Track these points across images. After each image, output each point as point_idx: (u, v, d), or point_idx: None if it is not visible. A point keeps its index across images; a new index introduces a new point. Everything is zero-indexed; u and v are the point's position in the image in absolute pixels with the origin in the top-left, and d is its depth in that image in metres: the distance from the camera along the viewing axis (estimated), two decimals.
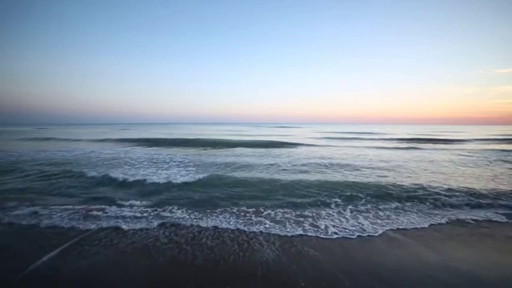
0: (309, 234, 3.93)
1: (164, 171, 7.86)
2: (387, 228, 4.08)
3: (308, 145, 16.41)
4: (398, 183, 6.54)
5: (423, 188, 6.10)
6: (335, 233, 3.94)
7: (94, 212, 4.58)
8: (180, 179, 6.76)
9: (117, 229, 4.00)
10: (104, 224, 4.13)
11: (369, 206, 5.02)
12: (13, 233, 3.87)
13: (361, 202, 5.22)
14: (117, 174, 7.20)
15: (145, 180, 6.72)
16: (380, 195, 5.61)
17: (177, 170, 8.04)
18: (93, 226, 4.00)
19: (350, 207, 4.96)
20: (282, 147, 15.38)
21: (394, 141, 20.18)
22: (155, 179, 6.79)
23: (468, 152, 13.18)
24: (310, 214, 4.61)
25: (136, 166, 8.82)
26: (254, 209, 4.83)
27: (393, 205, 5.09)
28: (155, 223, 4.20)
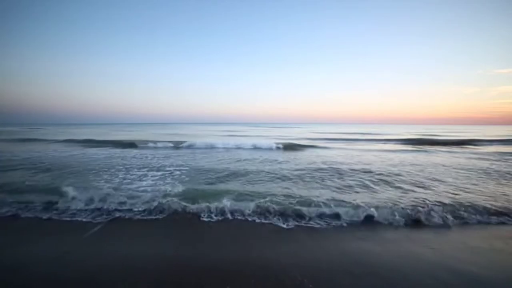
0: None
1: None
2: None
3: (308, 146, 16.22)
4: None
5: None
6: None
7: None
8: None
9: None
10: None
11: None
12: None
13: None
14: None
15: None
16: None
17: None
18: None
19: None
20: (280, 149, 15.20)
21: (402, 143, 19.05)
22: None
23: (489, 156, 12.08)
24: None
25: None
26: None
27: None
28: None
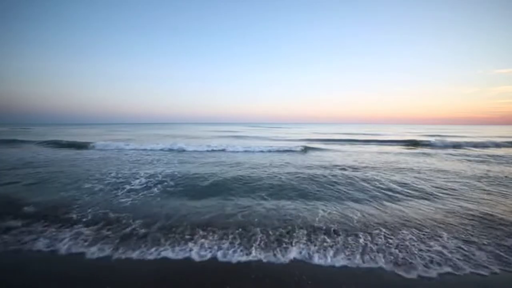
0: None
1: None
2: None
3: (310, 148, 15.85)
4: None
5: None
6: None
7: None
8: None
9: None
10: None
11: None
12: None
13: None
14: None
15: None
16: None
17: None
18: None
19: None
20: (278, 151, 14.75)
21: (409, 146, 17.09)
22: None
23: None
24: None
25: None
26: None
27: None
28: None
